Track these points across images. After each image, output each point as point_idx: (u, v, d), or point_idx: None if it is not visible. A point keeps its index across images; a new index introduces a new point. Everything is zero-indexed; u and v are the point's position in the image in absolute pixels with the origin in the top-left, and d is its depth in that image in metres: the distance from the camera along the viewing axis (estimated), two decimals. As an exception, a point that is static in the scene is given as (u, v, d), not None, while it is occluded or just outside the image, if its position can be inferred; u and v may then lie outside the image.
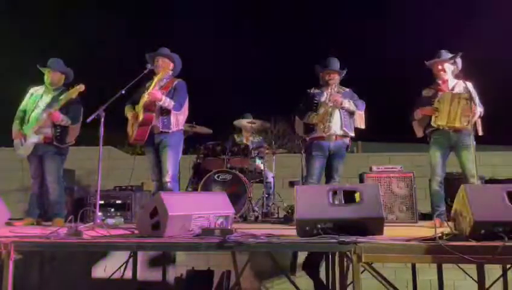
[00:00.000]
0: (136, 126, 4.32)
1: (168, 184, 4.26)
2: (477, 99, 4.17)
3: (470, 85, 4.28)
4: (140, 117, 4.26)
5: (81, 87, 4.39)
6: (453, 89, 4.32)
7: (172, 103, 4.30)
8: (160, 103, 4.24)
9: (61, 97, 4.50)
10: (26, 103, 4.65)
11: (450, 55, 4.38)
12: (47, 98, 4.59)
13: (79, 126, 4.62)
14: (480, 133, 4.21)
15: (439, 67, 4.39)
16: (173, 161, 4.31)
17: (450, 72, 4.39)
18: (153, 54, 4.50)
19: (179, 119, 4.40)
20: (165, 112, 4.31)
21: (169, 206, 2.94)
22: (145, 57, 4.51)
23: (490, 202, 2.67)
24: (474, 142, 4.13)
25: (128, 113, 4.46)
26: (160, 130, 4.31)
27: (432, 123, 4.24)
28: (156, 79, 4.36)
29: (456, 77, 4.42)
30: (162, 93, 4.29)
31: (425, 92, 4.42)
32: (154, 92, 4.22)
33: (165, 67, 4.44)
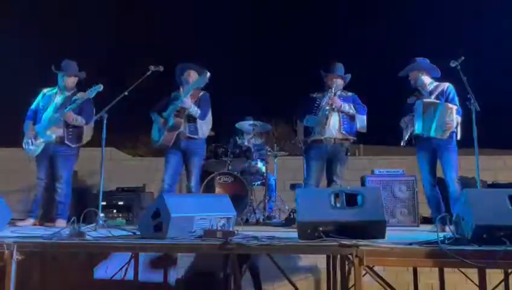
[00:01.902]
0: (164, 131, 4.58)
1: (193, 187, 4.59)
2: (455, 108, 4.14)
3: (449, 88, 4.32)
4: (171, 122, 4.53)
5: (99, 88, 4.45)
6: (431, 93, 4.34)
7: (199, 111, 4.58)
8: (190, 110, 4.51)
9: (78, 97, 4.54)
10: (37, 102, 4.69)
11: (420, 64, 4.40)
12: (59, 99, 4.62)
13: (92, 126, 4.67)
14: (459, 137, 4.21)
15: (411, 76, 4.42)
16: (198, 168, 4.68)
17: (425, 78, 4.39)
18: (185, 66, 4.76)
19: (203, 128, 4.67)
20: (191, 119, 4.59)
21: (171, 207, 2.95)
22: (177, 67, 4.80)
23: (492, 206, 2.67)
24: (456, 147, 4.21)
25: (159, 120, 4.68)
26: (187, 135, 4.56)
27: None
28: (189, 87, 4.57)
29: (439, 79, 4.45)
30: (191, 101, 4.57)
31: (409, 100, 4.46)
32: (187, 100, 4.49)
33: (194, 80, 4.67)
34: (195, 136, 4.60)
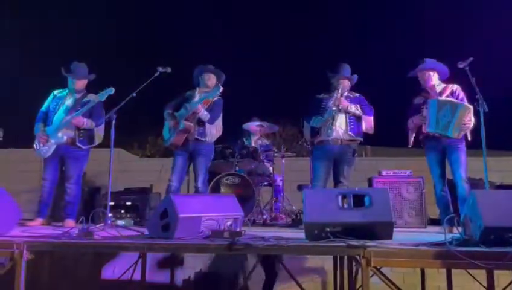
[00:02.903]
0: (174, 132, 4.68)
1: (200, 188, 4.65)
2: (472, 108, 4.10)
3: (458, 89, 4.31)
4: (181, 125, 4.62)
5: (111, 91, 4.48)
6: (440, 94, 4.32)
7: (208, 116, 4.67)
8: (199, 114, 4.63)
9: (89, 99, 4.58)
10: (48, 104, 4.72)
11: (430, 64, 4.38)
12: (69, 101, 4.65)
13: (103, 128, 4.71)
14: (469, 138, 4.19)
15: (422, 76, 4.40)
16: (205, 169, 4.74)
17: (435, 78, 4.39)
18: (206, 68, 4.87)
19: (212, 132, 4.77)
20: (201, 123, 4.71)
21: (179, 208, 2.97)
22: (197, 67, 4.90)
23: (500, 208, 2.66)
24: (465, 148, 4.19)
25: (170, 120, 4.77)
26: (195, 137, 4.66)
27: (423, 130, 4.28)
28: (203, 96, 4.68)
29: (445, 81, 4.43)
30: (202, 106, 4.68)
31: (416, 100, 4.45)
32: (199, 105, 4.62)
33: (213, 83, 4.82)
34: (203, 139, 4.68)
